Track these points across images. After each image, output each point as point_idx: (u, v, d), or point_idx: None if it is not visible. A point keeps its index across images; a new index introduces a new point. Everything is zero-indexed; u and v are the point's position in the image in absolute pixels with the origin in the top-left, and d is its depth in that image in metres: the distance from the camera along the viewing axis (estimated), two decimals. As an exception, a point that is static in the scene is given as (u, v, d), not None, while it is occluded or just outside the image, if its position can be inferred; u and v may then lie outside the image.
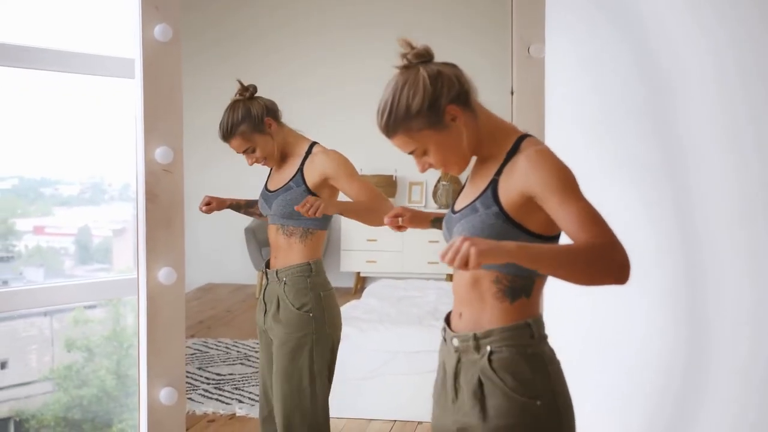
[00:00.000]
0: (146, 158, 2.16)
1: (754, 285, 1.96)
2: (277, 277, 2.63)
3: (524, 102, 2.36)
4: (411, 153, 1.71)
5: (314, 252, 2.66)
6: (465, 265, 1.46)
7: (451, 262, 1.45)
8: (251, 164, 2.71)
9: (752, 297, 1.97)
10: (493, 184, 1.68)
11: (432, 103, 1.66)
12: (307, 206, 2.42)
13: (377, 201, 2.60)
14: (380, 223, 2.39)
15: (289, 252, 2.64)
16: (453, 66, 1.71)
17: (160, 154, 2.16)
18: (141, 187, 2.18)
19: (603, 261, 1.51)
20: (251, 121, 2.61)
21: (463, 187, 1.85)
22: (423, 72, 1.66)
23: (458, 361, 1.77)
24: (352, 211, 2.60)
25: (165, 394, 2.19)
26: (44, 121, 3.32)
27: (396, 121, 1.67)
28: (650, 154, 2.20)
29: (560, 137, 2.26)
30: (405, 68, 1.68)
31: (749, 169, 1.92)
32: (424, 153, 1.71)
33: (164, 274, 2.19)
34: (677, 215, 2.13)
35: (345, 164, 2.62)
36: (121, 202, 3.76)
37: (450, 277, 6.72)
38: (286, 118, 2.73)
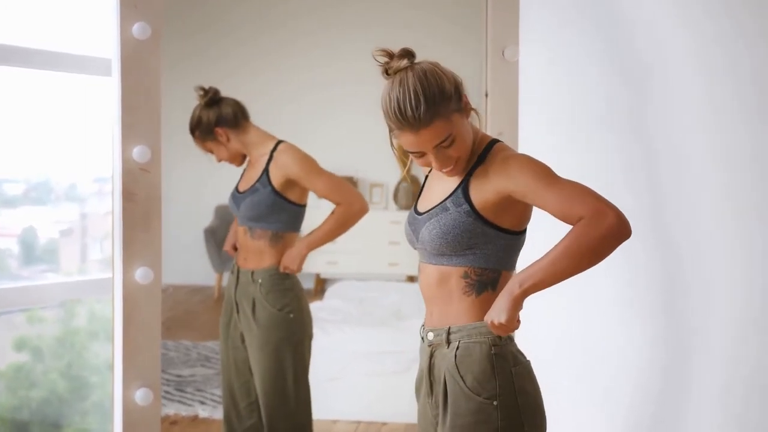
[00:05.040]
0: (123, 157, 2.14)
1: (734, 284, 1.99)
2: (252, 278, 2.62)
3: (498, 104, 2.39)
4: (439, 144, 1.66)
5: None
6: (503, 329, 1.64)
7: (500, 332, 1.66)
8: (218, 162, 2.72)
9: (731, 295, 2.00)
10: (464, 184, 1.72)
11: (456, 86, 1.68)
12: (286, 269, 2.59)
13: (346, 206, 2.58)
14: (356, 221, 2.45)
15: (260, 255, 2.63)
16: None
17: (138, 153, 2.14)
18: (118, 186, 2.16)
19: (595, 238, 1.55)
20: (202, 128, 2.64)
21: (421, 189, 1.87)
22: (424, 64, 1.67)
23: (431, 355, 1.79)
24: (324, 239, 2.60)
25: (141, 395, 2.17)
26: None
27: (435, 106, 1.62)
28: (628, 156, 2.23)
29: (534, 140, 2.29)
30: (402, 70, 1.66)
31: (736, 171, 1.94)
32: (452, 142, 1.67)
33: (141, 274, 2.18)
34: (654, 217, 2.16)
35: (306, 162, 2.60)
36: (67, 202, 3.70)
37: (411, 279, 6.73)
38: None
